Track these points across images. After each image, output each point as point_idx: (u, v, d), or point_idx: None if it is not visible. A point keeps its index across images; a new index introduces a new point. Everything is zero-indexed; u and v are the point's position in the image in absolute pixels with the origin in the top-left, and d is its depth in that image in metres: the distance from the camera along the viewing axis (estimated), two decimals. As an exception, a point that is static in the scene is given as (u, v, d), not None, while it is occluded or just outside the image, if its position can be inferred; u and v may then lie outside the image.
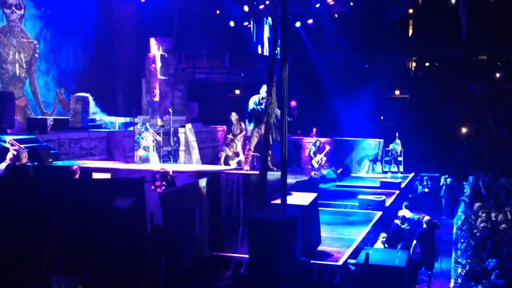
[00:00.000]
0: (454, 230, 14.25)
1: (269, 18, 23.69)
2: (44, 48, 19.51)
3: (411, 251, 11.20)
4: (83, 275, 7.27)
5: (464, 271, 9.34)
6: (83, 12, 21.48)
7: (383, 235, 10.98)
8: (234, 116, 15.17)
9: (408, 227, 12.90)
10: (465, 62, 28.38)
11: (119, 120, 18.60)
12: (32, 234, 8.22)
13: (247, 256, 8.64)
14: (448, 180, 17.99)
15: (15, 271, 7.61)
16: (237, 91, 29.10)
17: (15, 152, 10.85)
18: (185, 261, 8.72)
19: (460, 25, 26.56)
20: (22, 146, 11.15)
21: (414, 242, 11.73)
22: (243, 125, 15.29)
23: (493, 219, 12.69)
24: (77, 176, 9.61)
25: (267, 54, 24.74)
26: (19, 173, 10.07)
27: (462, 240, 12.46)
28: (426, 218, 12.26)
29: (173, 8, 24.17)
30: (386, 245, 10.95)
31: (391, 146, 20.06)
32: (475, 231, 11.75)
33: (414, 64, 30.43)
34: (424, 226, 11.91)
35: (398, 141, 19.95)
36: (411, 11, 29.81)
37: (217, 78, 27.41)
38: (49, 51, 19.76)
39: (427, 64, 29.89)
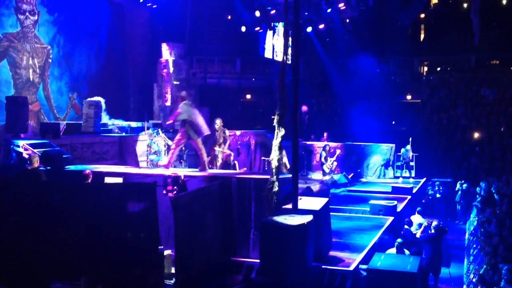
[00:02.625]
0: (467, 236, 14.15)
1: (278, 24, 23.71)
2: (57, 53, 19.69)
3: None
4: (85, 280, 7.32)
5: (477, 277, 9.27)
6: (96, 17, 21.67)
7: (399, 240, 10.91)
8: (218, 124, 14.32)
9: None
10: (478, 67, 28.23)
11: (132, 125, 18.70)
12: (43, 238, 8.31)
13: (259, 260, 8.64)
14: (464, 185, 17.89)
15: (22, 275, 7.67)
16: (248, 96, 29.18)
17: (27, 156, 10.97)
18: (196, 266, 8.74)
19: (473, 30, 26.40)
20: (35, 150, 11.25)
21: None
22: (227, 133, 14.65)
23: (506, 225, 12.58)
24: (89, 181, 9.67)
25: (270, 57, 24.74)
26: (31, 177, 10.17)
27: (474, 246, 12.38)
28: (434, 223, 12.20)
29: (185, 14, 24.31)
30: (407, 251, 10.87)
31: (402, 151, 19.99)
32: (483, 237, 11.66)
33: (426, 69, 30.32)
34: (432, 231, 11.84)
35: (408, 147, 19.88)
36: (423, 16, 29.68)
37: (228, 83, 27.52)
38: (62, 56, 19.94)
39: (438, 69, 29.78)
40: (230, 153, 14.95)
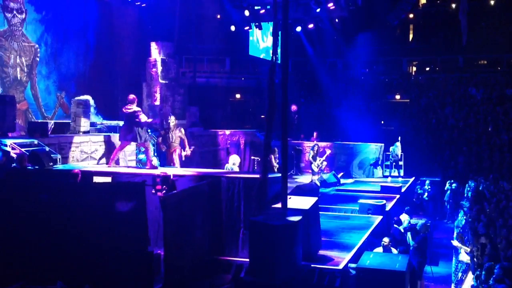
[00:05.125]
0: (455, 235, 14.24)
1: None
2: (45, 52, 19.54)
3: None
4: (61, 285, 7.24)
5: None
6: (84, 16, 21.52)
7: (385, 239, 10.95)
8: (173, 121, 13.76)
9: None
10: (465, 67, 28.45)
11: (120, 124, 18.56)
12: (31, 238, 8.24)
13: (248, 260, 8.63)
14: (454, 185, 18.00)
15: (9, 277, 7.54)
16: (238, 95, 29.17)
17: (15, 156, 10.88)
18: (185, 265, 8.71)
19: (461, 30, 26.60)
20: (23, 149, 11.16)
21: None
22: (183, 131, 14.14)
23: (493, 223, 12.67)
24: (78, 180, 9.62)
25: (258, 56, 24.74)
26: (19, 177, 10.09)
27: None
28: (420, 222, 12.31)
29: (174, 12, 24.23)
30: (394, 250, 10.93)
31: (391, 149, 20.09)
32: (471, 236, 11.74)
33: (414, 69, 30.50)
34: (419, 231, 11.94)
35: (398, 144, 19.97)
36: (411, 16, 29.86)
37: (218, 82, 27.49)
38: (50, 55, 19.79)
39: (427, 69, 29.96)
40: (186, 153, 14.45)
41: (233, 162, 15.24)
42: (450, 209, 18.12)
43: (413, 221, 13.44)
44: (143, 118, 11.62)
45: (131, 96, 11.89)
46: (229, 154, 19.38)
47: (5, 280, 7.89)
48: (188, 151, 14.07)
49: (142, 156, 14.46)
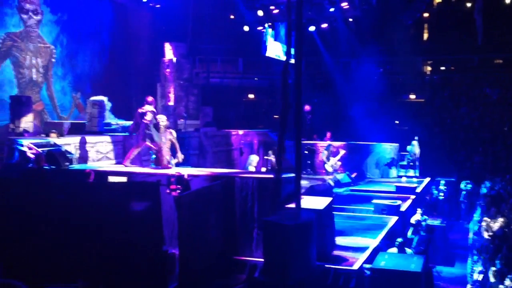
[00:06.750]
0: (470, 235, 14.13)
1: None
2: (60, 53, 19.73)
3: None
4: (81, 283, 7.31)
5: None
6: (99, 17, 21.70)
7: (399, 240, 10.91)
8: (163, 122, 12.06)
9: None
10: (481, 66, 28.18)
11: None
12: (45, 238, 8.31)
13: (262, 260, 8.64)
14: (469, 186, 17.85)
15: (18, 278, 7.61)
16: (251, 95, 29.19)
17: (32, 156, 10.99)
18: (200, 265, 8.74)
19: (476, 29, 26.35)
20: (39, 150, 11.27)
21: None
22: (174, 134, 12.43)
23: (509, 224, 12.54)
24: (91, 179, 9.69)
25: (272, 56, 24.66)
26: (35, 176, 10.19)
27: (477, 245, 12.35)
28: (435, 222, 12.26)
29: (187, 13, 24.32)
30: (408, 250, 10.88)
31: (408, 149, 19.87)
32: (489, 236, 11.64)
33: (429, 69, 30.27)
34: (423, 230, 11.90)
35: (415, 142, 19.73)
36: (426, 15, 29.63)
37: (231, 83, 27.54)
38: (65, 56, 19.97)
39: (442, 68, 29.72)
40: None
41: (251, 161, 15.17)
42: (465, 210, 17.98)
43: (429, 221, 13.36)
44: (147, 117, 11.66)
45: (150, 98, 11.99)
46: (242, 154, 19.39)
47: (27, 279, 7.98)
48: (180, 157, 12.49)
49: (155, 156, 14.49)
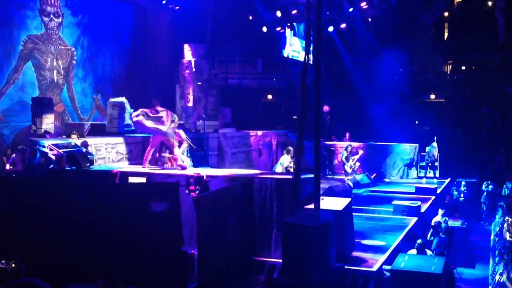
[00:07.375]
0: (492, 237, 13.94)
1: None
2: (81, 55, 19.96)
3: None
4: (103, 282, 7.37)
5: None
6: (119, 19, 21.91)
7: (418, 241, 10.81)
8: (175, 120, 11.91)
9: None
10: (502, 66, 27.78)
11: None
12: (67, 238, 8.41)
13: (281, 260, 8.64)
14: (490, 187, 17.63)
15: (41, 276, 7.69)
16: (270, 96, 29.19)
17: (54, 157, 11.14)
18: (219, 265, 8.77)
19: (497, 29, 26.00)
20: (60, 151, 11.42)
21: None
22: (183, 135, 12.21)
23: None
24: (117, 180, 9.80)
25: (290, 57, 24.59)
26: (57, 177, 10.32)
27: (499, 247, 12.18)
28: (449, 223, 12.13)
29: (206, 15, 24.41)
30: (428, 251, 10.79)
31: (427, 149, 19.70)
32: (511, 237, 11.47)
33: (450, 68, 29.93)
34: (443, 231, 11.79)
35: (434, 144, 19.57)
36: (446, 14, 29.33)
37: (250, 83, 27.53)
38: (86, 58, 20.21)
39: (463, 68, 29.37)
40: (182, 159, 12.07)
41: (281, 162, 15.14)
42: (486, 211, 17.76)
43: (450, 223, 13.22)
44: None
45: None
46: (261, 155, 19.38)
47: (49, 278, 8.08)
48: (179, 156, 12.01)
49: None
